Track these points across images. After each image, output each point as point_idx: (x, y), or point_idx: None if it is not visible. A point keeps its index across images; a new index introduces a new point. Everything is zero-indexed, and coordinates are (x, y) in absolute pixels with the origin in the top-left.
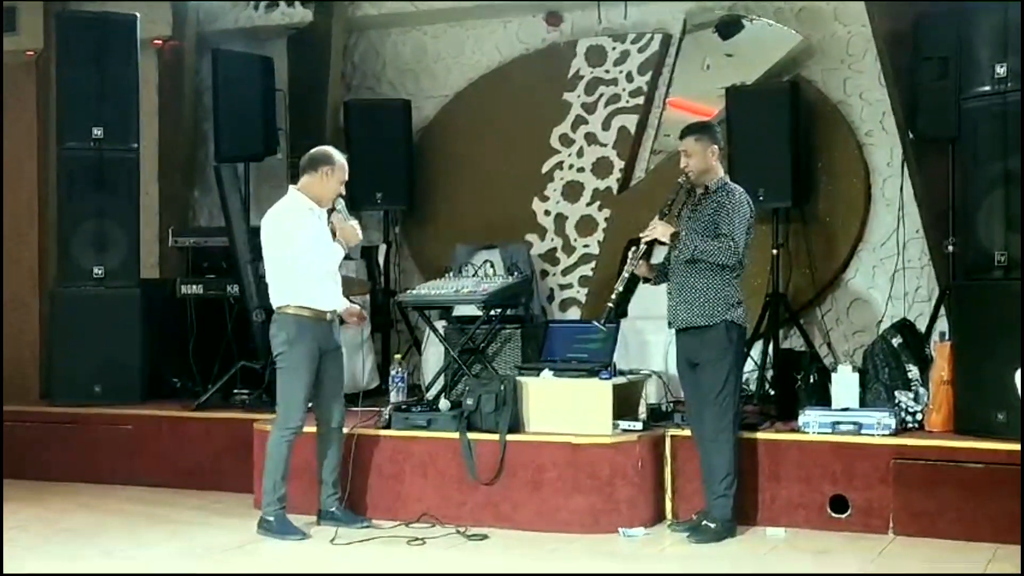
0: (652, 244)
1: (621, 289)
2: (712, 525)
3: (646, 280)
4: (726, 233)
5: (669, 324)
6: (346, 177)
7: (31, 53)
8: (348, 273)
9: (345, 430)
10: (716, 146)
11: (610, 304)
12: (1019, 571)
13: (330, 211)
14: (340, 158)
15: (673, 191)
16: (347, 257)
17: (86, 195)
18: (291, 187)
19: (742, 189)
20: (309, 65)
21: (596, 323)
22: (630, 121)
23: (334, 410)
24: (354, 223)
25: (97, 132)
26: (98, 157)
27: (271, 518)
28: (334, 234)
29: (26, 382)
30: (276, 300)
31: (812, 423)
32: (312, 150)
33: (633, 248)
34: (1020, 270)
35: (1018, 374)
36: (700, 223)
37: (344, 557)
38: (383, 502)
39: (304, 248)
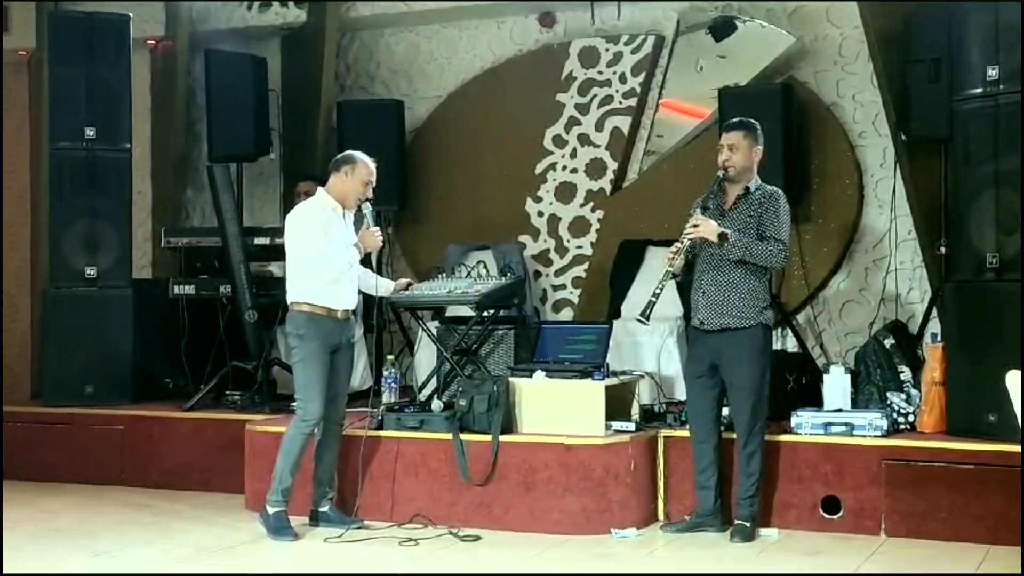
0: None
1: (665, 283)
2: (747, 524)
3: (673, 276)
4: (775, 236)
5: (700, 323)
6: (371, 178)
7: (23, 53)
8: None
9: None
10: (760, 147)
11: (652, 299)
12: (1016, 572)
13: (360, 216)
14: (363, 158)
15: (713, 185)
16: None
17: (78, 195)
18: (319, 188)
19: (782, 191)
20: (302, 65)
21: (638, 317)
22: (623, 122)
23: (338, 407)
24: (377, 231)
25: (89, 132)
26: (90, 157)
27: (270, 511)
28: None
29: (17, 382)
30: (290, 296)
31: (804, 424)
32: (340, 153)
33: (676, 244)
34: (1019, 271)
35: (1010, 376)
36: (737, 224)
37: (337, 558)
38: (375, 503)
39: (318, 246)
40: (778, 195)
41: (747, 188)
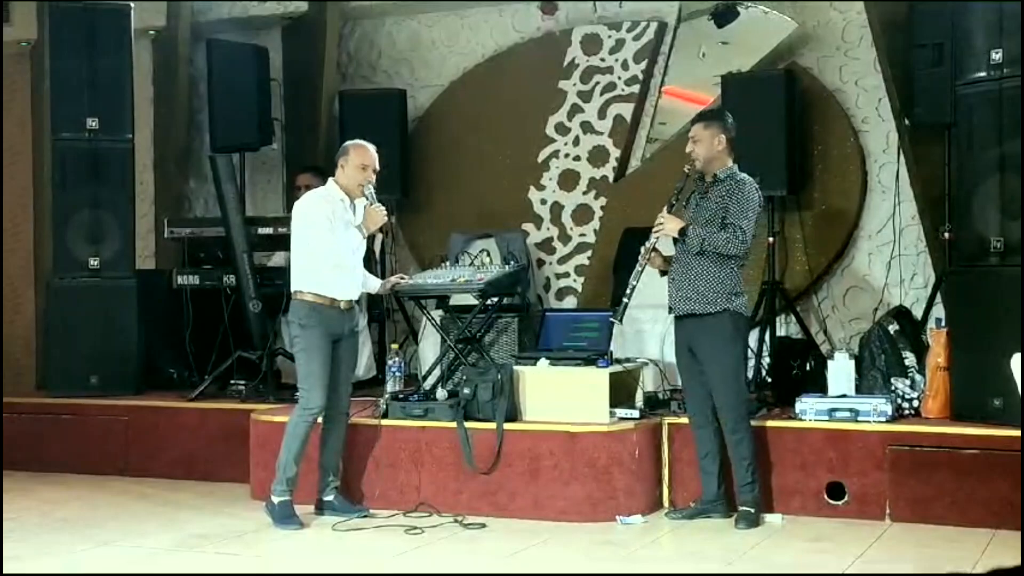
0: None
1: (636, 284)
2: (751, 510)
3: (663, 273)
4: (734, 223)
5: (670, 310)
6: (365, 160)
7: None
8: None
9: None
10: (724, 135)
11: (626, 300)
12: (1017, 556)
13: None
14: (355, 144)
15: (680, 181)
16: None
17: (80, 186)
18: (330, 179)
19: (751, 179)
20: (304, 54)
21: (613, 319)
22: (626, 109)
23: (341, 396)
24: (379, 206)
25: (91, 123)
26: (92, 147)
27: (276, 501)
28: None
29: (21, 373)
30: (293, 284)
31: (808, 410)
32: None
33: (645, 244)
34: (1020, 256)
35: (1015, 360)
36: (707, 212)
37: (342, 547)
38: (380, 491)
39: (322, 235)
40: (744, 182)
41: (715, 176)
